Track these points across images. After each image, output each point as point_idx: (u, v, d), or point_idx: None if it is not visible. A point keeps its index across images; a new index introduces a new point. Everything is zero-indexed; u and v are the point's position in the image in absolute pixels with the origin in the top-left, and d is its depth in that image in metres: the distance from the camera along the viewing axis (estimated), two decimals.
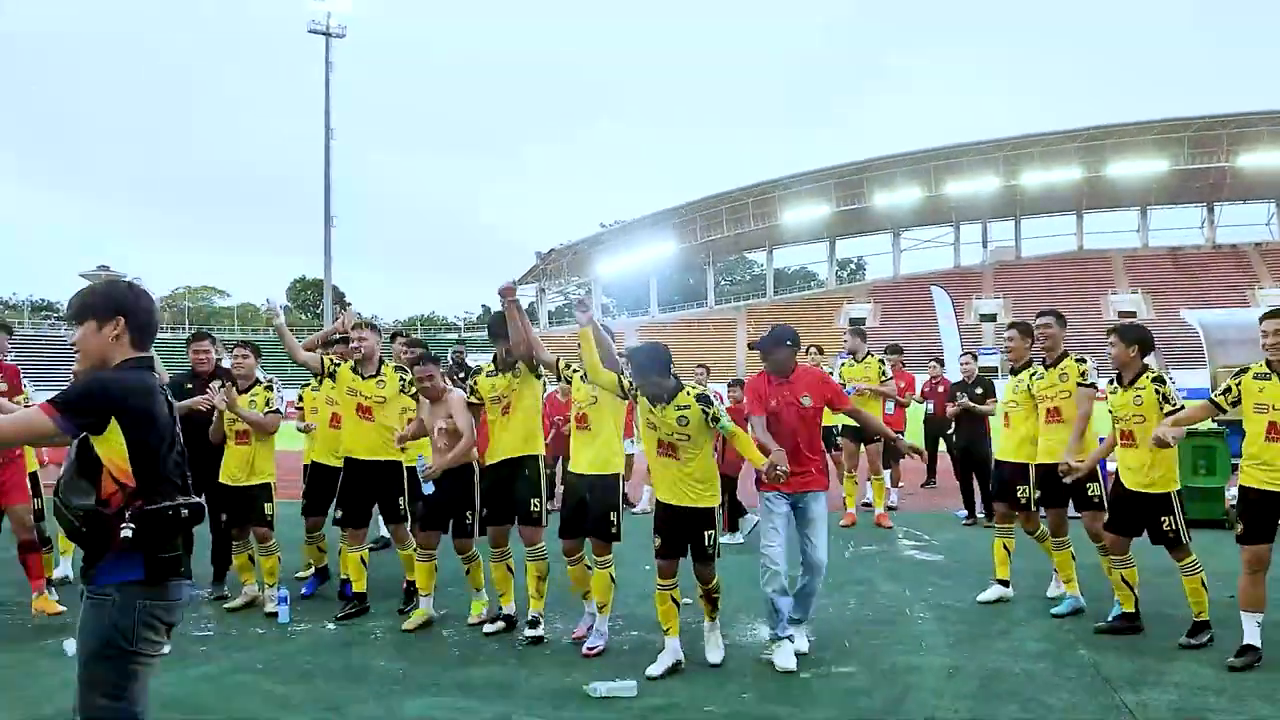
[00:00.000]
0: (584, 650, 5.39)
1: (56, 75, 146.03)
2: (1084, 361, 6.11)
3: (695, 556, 5.16)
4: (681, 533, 5.14)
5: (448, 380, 6.17)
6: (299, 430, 7.57)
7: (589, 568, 5.62)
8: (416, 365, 5.98)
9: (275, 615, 6.18)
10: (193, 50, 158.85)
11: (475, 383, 5.95)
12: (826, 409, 5.55)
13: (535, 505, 5.71)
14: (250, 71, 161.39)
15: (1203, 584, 5.32)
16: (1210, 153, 62.44)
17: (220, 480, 6.51)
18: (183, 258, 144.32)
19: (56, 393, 2.77)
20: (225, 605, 6.50)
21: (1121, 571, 5.58)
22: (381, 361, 6.48)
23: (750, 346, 5.60)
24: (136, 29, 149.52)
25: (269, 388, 6.68)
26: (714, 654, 5.25)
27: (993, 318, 62.66)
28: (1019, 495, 6.33)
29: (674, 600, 5.17)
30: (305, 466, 7.69)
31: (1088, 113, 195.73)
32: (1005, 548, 6.41)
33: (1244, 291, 60.71)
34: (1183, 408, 5.35)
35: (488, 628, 5.89)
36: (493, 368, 5.88)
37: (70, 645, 5.46)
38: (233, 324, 78.84)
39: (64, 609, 6.27)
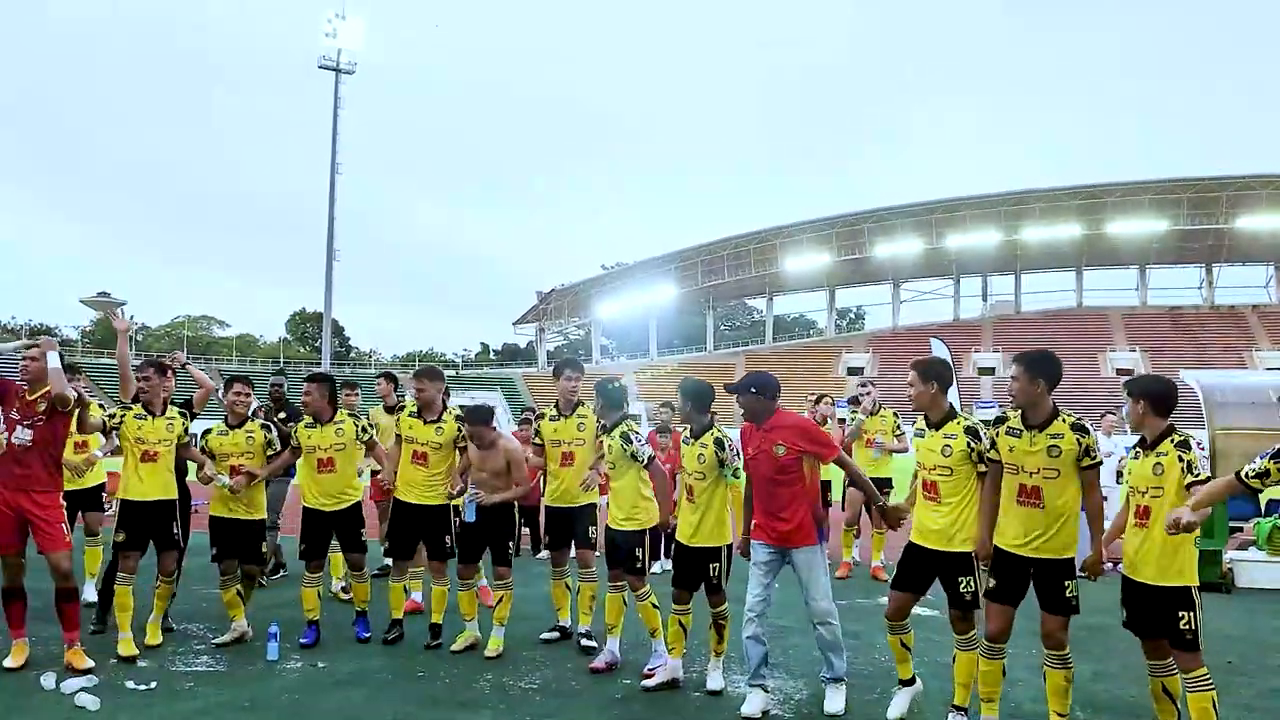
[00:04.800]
0: (644, 672, 5.77)
1: (56, 96, 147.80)
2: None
3: (707, 589, 5.56)
4: (694, 569, 5.55)
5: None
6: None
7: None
8: (468, 424, 6.41)
9: (265, 652, 6.10)
10: (198, 76, 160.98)
11: (539, 427, 6.60)
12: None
13: (592, 533, 6.46)
14: (257, 99, 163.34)
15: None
16: (1209, 214, 63.07)
17: (213, 513, 6.52)
18: (182, 283, 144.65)
19: None
20: (215, 641, 6.42)
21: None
22: (444, 408, 6.63)
23: (725, 388, 5.70)
24: (141, 46, 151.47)
25: (266, 428, 6.69)
26: (714, 681, 5.54)
27: (991, 371, 62.78)
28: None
29: (681, 625, 5.61)
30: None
31: (1082, 165, 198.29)
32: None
33: (1241, 353, 60.99)
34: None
35: (544, 635, 6.63)
36: (555, 412, 6.57)
37: (48, 679, 5.39)
38: (231, 354, 78.86)
39: (92, 664, 5.61)
